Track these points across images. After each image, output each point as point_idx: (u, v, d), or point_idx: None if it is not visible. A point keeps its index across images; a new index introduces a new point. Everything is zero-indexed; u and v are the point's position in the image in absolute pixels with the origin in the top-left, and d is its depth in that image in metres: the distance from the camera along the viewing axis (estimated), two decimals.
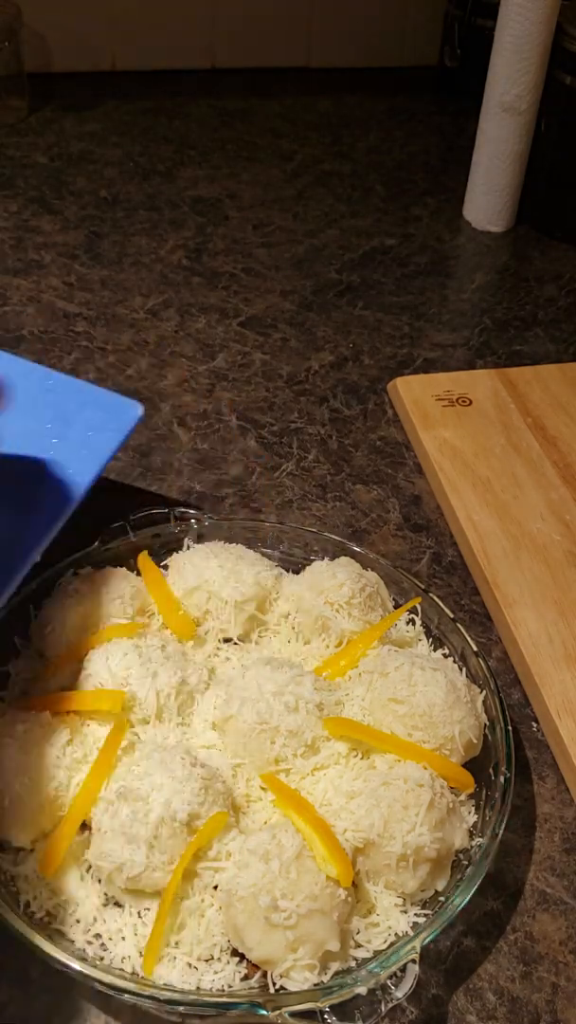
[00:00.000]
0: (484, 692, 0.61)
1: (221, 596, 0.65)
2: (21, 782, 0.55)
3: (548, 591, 0.74)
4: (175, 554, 0.70)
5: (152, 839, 0.52)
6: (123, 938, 0.52)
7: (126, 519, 0.70)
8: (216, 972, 0.51)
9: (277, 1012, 0.48)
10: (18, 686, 0.63)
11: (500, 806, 0.56)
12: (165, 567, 0.69)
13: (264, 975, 0.51)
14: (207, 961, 0.52)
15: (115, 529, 0.70)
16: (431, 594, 0.67)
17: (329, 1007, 0.48)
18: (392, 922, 0.53)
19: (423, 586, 0.68)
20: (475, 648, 0.64)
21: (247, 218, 1.16)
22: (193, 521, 0.72)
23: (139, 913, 0.53)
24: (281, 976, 0.50)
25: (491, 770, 0.59)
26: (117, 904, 0.54)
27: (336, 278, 1.08)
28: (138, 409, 0.70)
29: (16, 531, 0.62)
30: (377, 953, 0.52)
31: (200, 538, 0.71)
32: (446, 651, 0.66)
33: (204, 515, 0.72)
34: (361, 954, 0.52)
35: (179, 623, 0.65)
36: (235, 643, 0.66)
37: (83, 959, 0.50)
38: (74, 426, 0.69)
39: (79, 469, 0.66)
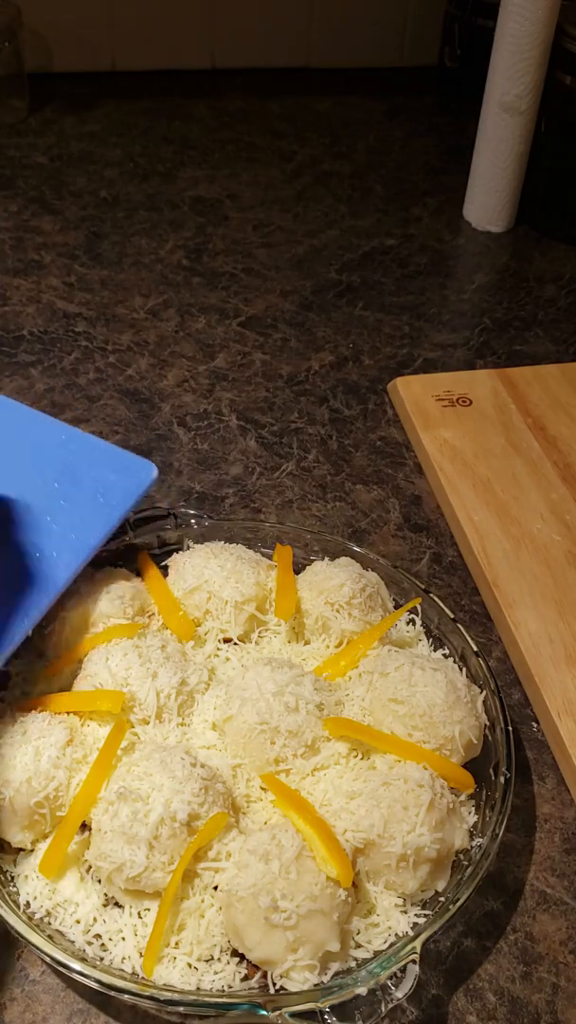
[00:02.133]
0: (484, 692, 0.61)
1: (221, 596, 0.65)
2: (21, 782, 0.55)
3: (548, 591, 0.74)
4: (175, 554, 0.70)
5: (152, 839, 0.52)
6: (123, 938, 0.52)
7: (126, 519, 0.70)
8: (216, 972, 0.51)
9: (277, 1012, 0.48)
10: (18, 686, 0.63)
11: (500, 806, 0.56)
12: (165, 567, 0.69)
13: (264, 975, 0.51)
14: (207, 961, 0.52)
15: (115, 529, 0.70)
16: (431, 594, 0.67)
17: (329, 1007, 0.48)
18: (392, 922, 0.53)
19: (423, 586, 0.68)
20: (475, 648, 0.64)
21: (247, 218, 1.16)
22: (193, 521, 0.72)
23: (139, 913, 0.53)
24: (281, 976, 0.50)
25: (491, 770, 0.59)
26: (117, 904, 0.54)
27: (336, 278, 1.08)
28: (152, 471, 0.67)
29: (8, 602, 0.60)
30: (377, 953, 0.52)
31: (200, 538, 0.71)
32: (446, 651, 0.66)
33: (204, 515, 0.72)
34: (361, 954, 0.52)
35: (179, 623, 0.65)
36: (235, 643, 0.66)
37: (83, 959, 0.50)
38: (83, 486, 0.65)
39: (82, 535, 0.63)
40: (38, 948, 0.50)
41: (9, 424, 0.69)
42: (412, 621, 0.68)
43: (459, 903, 0.53)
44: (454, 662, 0.64)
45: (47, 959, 0.50)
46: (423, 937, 0.51)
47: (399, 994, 0.49)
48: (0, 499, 0.64)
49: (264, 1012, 0.48)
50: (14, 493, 0.64)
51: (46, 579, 0.61)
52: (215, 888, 0.53)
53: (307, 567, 0.69)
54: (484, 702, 0.61)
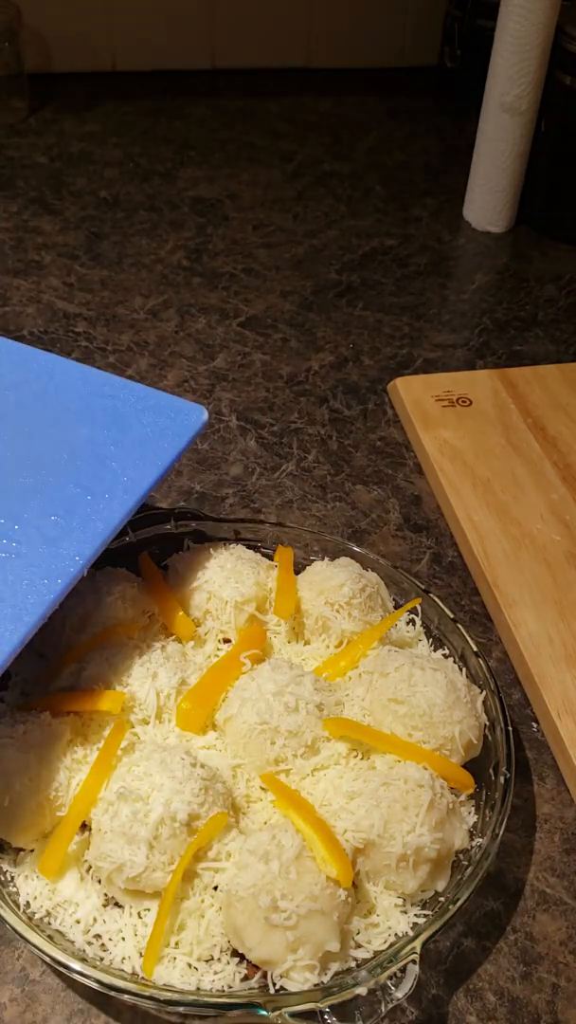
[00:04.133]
0: (484, 692, 0.61)
1: (221, 596, 0.65)
2: (21, 782, 0.55)
3: (548, 592, 0.74)
4: (175, 554, 0.70)
5: (152, 839, 0.52)
6: (123, 938, 0.52)
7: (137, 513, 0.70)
8: (216, 972, 0.51)
9: (277, 1013, 0.48)
10: (18, 686, 0.63)
11: (500, 806, 0.56)
12: (165, 567, 0.69)
13: (264, 976, 0.51)
14: (207, 962, 0.52)
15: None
16: (431, 594, 0.67)
17: (329, 1007, 0.48)
18: (392, 922, 0.53)
19: (423, 586, 0.68)
20: (475, 648, 0.64)
21: (247, 219, 1.16)
22: (193, 522, 0.72)
23: (139, 913, 0.53)
24: (281, 977, 0.50)
25: (491, 770, 0.59)
26: (117, 904, 0.54)
27: (336, 278, 1.08)
28: (202, 413, 0.66)
29: (65, 541, 0.59)
30: (377, 953, 0.52)
31: (200, 538, 0.71)
32: (446, 651, 0.66)
33: (204, 515, 0.72)
34: (361, 954, 0.52)
35: (179, 623, 0.65)
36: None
37: (83, 959, 0.50)
38: (133, 431, 0.65)
39: (135, 477, 0.62)
40: (38, 948, 0.50)
41: (55, 378, 0.70)
42: (412, 621, 0.68)
43: (459, 903, 0.53)
44: (454, 662, 0.64)
45: (47, 959, 0.50)
46: (423, 937, 0.51)
47: (399, 994, 0.49)
48: (51, 443, 0.64)
49: (264, 1012, 0.48)
50: (65, 441, 0.65)
51: (101, 519, 0.60)
52: (215, 888, 0.53)
53: (307, 567, 0.69)
54: (484, 702, 0.61)
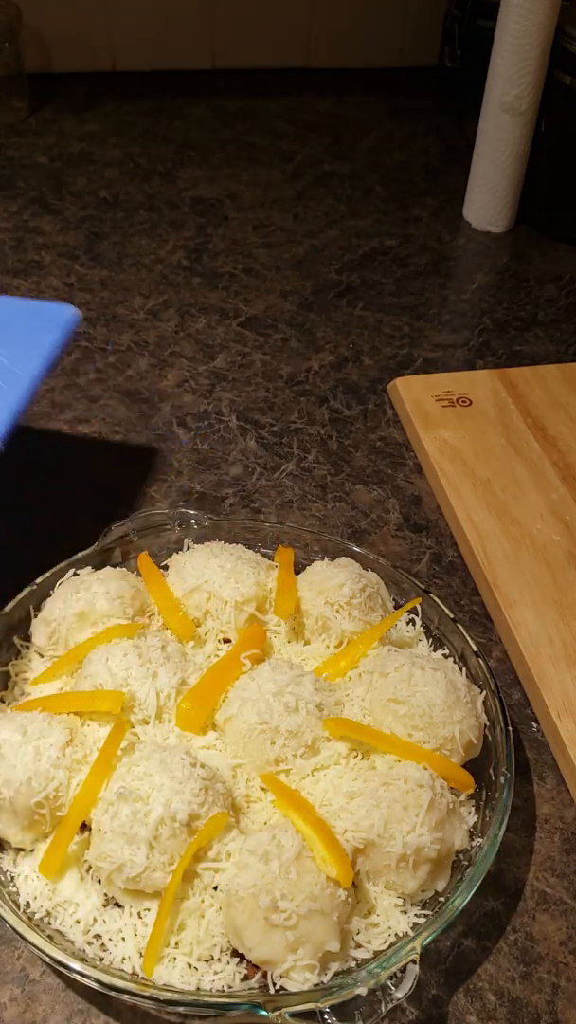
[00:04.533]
0: (484, 692, 0.61)
1: (221, 596, 0.65)
2: (21, 782, 0.55)
3: (548, 592, 0.74)
4: (175, 554, 0.70)
5: (152, 839, 0.52)
6: (123, 938, 0.52)
7: (126, 519, 0.70)
8: (216, 973, 0.51)
9: (277, 1012, 0.48)
10: (18, 686, 0.63)
11: (500, 806, 0.56)
12: (165, 567, 0.69)
13: (264, 976, 0.51)
14: (207, 962, 0.52)
15: (115, 529, 0.70)
16: (431, 594, 0.67)
17: (329, 1007, 0.48)
18: (392, 922, 0.53)
19: (423, 586, 0.68)
20: (475, 648, 0.64)
21: (247, 219, 1.16)
22: (193, 521, 0.72)
23: (139, 914, 0.53)
24: (281, 977, 0.50)
25: (491, 770, 0.59)
26: (117, 904, 0.54)
27: (336, 278, 1.08)
28: (71, 310, 0.75)
29: None
30: (377, 953, 0.52)
31: (200, 538, 0.71)
32: (446, 651, 0.66)
33: (204, 515, 0.72)
34: (361, 954, 0.52)
35: (179, 623, 0.65)
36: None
37: (83, 959, 0.50)
38: (12, 332, 0.73)
39: (24, 367, 0.70)
40: (38, 948, 0.50)
41: None
42: (412, 621, 0.68)
43: (459, 903, 0.53)
44: (454, 662, 0.64)
45: (47, 959, 0.50)
46: (423, 937, 0.51)
47: (399, 994, 0.49)
48: None
49: (264, 1012, 0.48)
50: None
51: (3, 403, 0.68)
52: (215, 888, 0.53)
53: (307, 567, 0.69)
54: (484, 702, 0.61)
